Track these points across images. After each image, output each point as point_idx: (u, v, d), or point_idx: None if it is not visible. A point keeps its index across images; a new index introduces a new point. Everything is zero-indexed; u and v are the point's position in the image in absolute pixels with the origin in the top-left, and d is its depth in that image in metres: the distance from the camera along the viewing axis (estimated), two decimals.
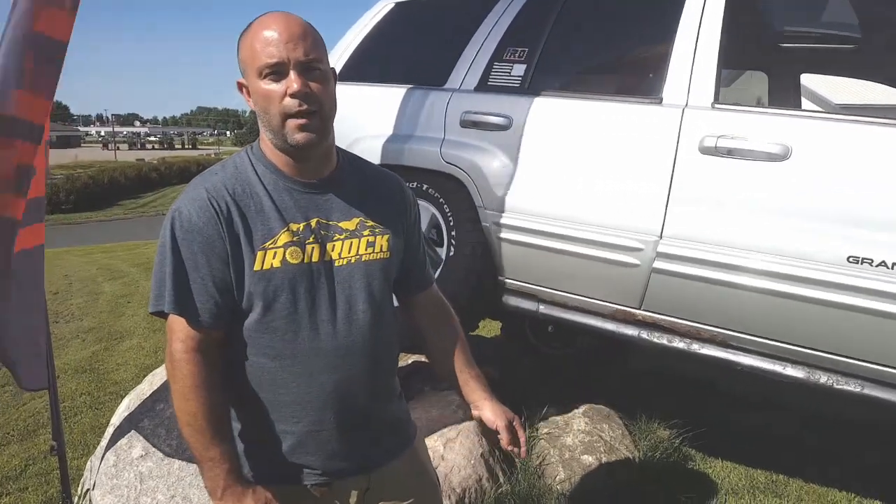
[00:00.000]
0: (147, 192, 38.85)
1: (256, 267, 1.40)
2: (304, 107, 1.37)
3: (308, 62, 1.38)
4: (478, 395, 1.69)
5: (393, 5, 3.66)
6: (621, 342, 2.77)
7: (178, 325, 1.38)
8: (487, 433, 1.69)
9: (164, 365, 3.41)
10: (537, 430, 3.06)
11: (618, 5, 3.01)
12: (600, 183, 2.60)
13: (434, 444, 2.68)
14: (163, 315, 1.40)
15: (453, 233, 2.98)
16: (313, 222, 1.47)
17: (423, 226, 3.07)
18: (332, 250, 1.48)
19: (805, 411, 3.75)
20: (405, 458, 1.67)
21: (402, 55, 3.60)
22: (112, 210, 32.82)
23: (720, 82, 2.47)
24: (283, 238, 1.42)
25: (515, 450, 1.64)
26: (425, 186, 3.09)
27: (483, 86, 3.03)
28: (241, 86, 1.46)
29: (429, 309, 1.78)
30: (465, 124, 2.99)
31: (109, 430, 3.11)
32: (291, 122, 1.38)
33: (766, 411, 3.83)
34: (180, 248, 1.37)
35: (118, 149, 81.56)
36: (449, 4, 3.53)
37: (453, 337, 1.76)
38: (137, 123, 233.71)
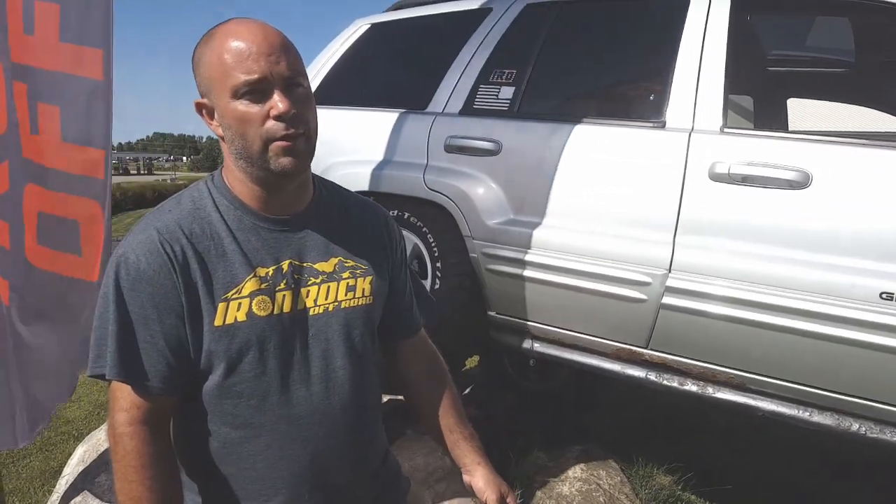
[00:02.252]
0: None
1: (217, 322, 1.18)
2: (292, 130, 1.17)
3: (292, 78, 1.17)
4: (469, 459, 1.49)
5: (368, 26, 3.50)
6: (604, 376, 2.59)
7: (122, 393, 1.17)
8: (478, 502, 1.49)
9: None
10: (529, 477, 2.85)
11: (612, 24, 2.87)
12: (601, 211, 2.43)
13: None
14: (103, 378, 1.17)
15: (438, 264, 2.78)
16: (285, 265, 1.26)
17: None
18: (307, 297, 1.28)
19: (802, 448, 3.63)
20: None
21: (379, 78, 3.43)
22: None
23: (728, 105, 2.33)
24: (250, 286, 1.21)
25: None
26: (407, 215, 2.89)
27: (469, 109, 2.86)
28: (200, 107, 1.23)
29: (416, 357, 1.56)
30: (451, 149, 2.81)
31: (61, 483, 2.82)
32: (276, 146, 1.17)
33: (765, 449, 3.70)
34: (126, 300, 1.16)
35: None
36: (429, 24, 3.37)
37: (442, 390, 1.53)
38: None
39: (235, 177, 1.25)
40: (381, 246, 1.44)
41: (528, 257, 2.55)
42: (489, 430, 3.19)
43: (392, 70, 3.47)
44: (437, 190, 2.78)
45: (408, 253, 2.88)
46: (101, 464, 2.71)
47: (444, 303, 2.73)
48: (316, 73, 3.41)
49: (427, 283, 2.81)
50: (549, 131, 2.61)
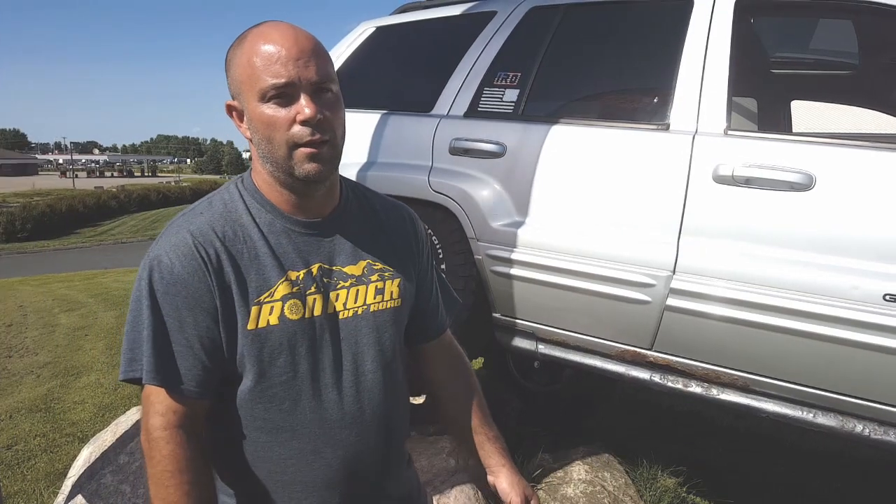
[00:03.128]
0: (106, 221, 38.13)
1: (251, 325, 1.18)
2: (317, 136, 1.16)
3: (321, 83, 1.16)
4: (494, 461, 1.50)
5: (374, 29, 3.51)
6: (608, 378, 2.61)
7: (158, 397, 1.16)
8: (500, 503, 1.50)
9: (129, 411, 3.17)
10: (534, 479, 2.86)
11: (616, 26, 2.88)
12: (605, 213, 2.44)
13: None
14: (137, 382, 1.17)
15: (443, 266, 2.79)
16: (315, 268, 1.25)
17: None
18: (336, 300, 1.27)
19: (804, 448, 3.62)
20: None
21: (384, 80, 3.44)
22: (70, 238, 32.05)
23: (732, 108, 2.34)
24: (282, 289, 1.21)
25: None
26: None
27: (473, 112, 2.87)
28: (231, 109, 1.23)
29: (442, 358, 1.55)
30: (455, 152, 2.81)
31: (67, 484, 2.82)
32: (301, 152, 1.16)
33: (771, 450, 3.69)
34: (160, 304, 1.15)
35: (77, 176, 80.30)
36: (434, 28, 3.37)
37: (468, 391, 1.53)
38: (97, 151, 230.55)
39: (264, 179, 1.25)
40: (408, 248, 1.43)
41: (532, 259, 2.56)
42: None
43: (397, 73, 3.48)
44: (441, 192, 2.79)
45: None
46: (107, 465, 2.72)
47: None
48: None
49: None
50: (554, 134, 2.62)
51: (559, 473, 2.85)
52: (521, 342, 2.76)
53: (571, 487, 2.73)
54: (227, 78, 1.22)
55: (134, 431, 2.91)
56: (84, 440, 3.85)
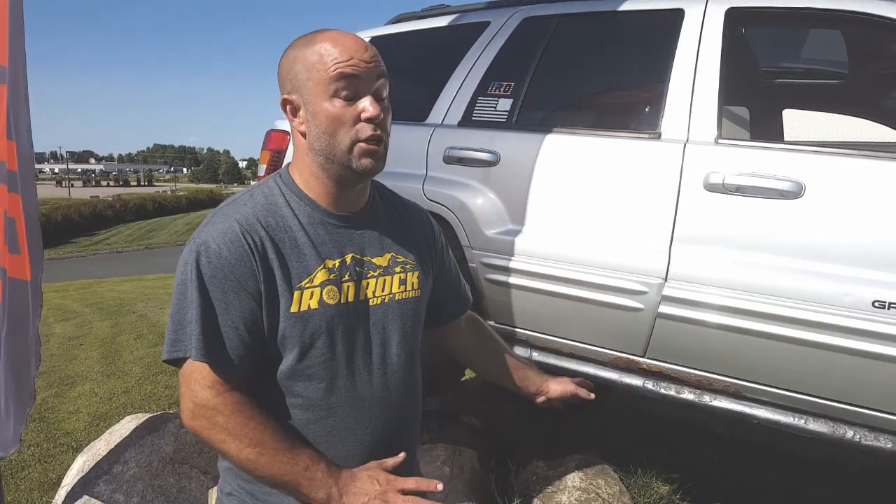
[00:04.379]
0: (101, 230, 38.09)
1: (293, 308, 1.26)
2: (378, 132, 1.27)
3: (381, 89, 1.28)
4: (540, 379, 1.81)
5: (367, 40, 3.52)
6: (602, 385, 2.60)
7: (203, 373, 1.23)
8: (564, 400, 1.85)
9: (122, 420, 3.16)
10: (528, 486, 2.86)
11: (608, 36, 2.90)
12: (598, 221, 2.46)
13: None
14: (178, 363, 1.25)
15: None
16: (348, 258, 1.36)
17: None
18: (367, 288, 1.38)
19: (796, 455, 3.63)
20: None
21: None
22: (65, 248, 31.98)
23: (723, 116, 2.36)
24: (320, 276, 1.30)
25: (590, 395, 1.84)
26: None
27: (467, 121, 2.89)
28: (288, 103, 1.31)
29: (471, 326, 1.77)
30: (450, 160, 2.83)
31: (61, 493, 2.81)
32: (361, 147, 1.27)
33: (764, 457, 3.70)
34: (208, 286, 1.23)
35: (72, 186, 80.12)
36: (428, 38, 3.40)
37: (496, 345, 1.79)
38: (92, 160, 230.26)
39: (310, 173, 1.33)
40: (426, 242, 1.56)
41: (525, 267, 2.58)
42: (489, 439, 3.21)
43: (391, 82, 3.50)
44: (436, 200, 2.80)
45: None
46: (101, 474, 2.71)
47: None
48: None
49: None
50: (547, 143, 2.64)
51: (554, 481, 2.85)
52: (515, 350, 2.77)
53: (566, 495, 2.73)
54: (287, 74, 1.30)
55: (128, 440, 2.90)
56: (78, 450, 3.84)
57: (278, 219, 1.29)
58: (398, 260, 1.45)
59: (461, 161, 2.80)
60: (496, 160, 2.71)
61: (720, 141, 2.31)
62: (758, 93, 3.73)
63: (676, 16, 2.54)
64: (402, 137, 3.01)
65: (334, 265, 1.32)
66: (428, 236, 1.58)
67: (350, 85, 1.23)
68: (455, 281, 1.70)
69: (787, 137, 3.73)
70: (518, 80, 2.85)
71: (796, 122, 3.77)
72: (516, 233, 2.62)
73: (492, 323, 2.79)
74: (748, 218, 2.18)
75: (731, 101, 3.70)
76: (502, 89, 2.87)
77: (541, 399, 1.80)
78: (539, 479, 2.90)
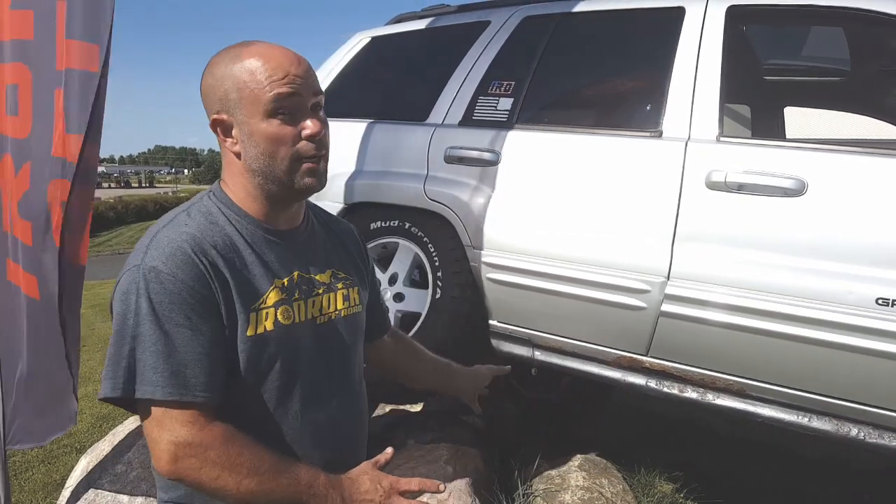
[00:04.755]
0: (103, 232, 38.02)
1: (250, 332, 1.20)
2: (323, 151, 1.24)
3: (319, 102, 1.24)
4: (467, 369, 2.00)
5: (369, 39, 3.53)
6: (605, 384, 2.62)
7: (175, 412, 1.12)
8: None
9: (126, 421, 3.17)
10: (531, 485, 2.86)
11: (608, 35, 2.90)
12: (600, 220, 2.45)
13: None
14: (129, 403, 1.13)
15: (439, 274, 2.79)
16: (295, 276, 1.31)
17: (406, 266, 2.92)
18: (314, 307, 1.33)
19: (797, 454, 3.63)
20: None
21: (379, 90, 3.47)
22: None
23: (724, 114, 2.36)
24: (273, 296, 1.24)
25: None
26: (408, 225, 2.91)
27: (468, 120, 2.88)
28: (219, 123, 1.23)
29: (395, 343, 1.77)
30: (451, 160, 2.83)
31: (65, 494, 2.83)
32: (304, 166, 1.22)
33: (766, 456, 3.69)
34: (168, 315, 1.12)
35: None
36: (428, 37, 3.40)
37: (418, 353, 1.84)
38: None
39: (245, 191, 1.27)
40: (360, 257, 1.55)
41: (527, 266, 2.57)
42: (491, 439, 3.21)
43: (392, 82, 3.50)
44: (437, 200, 2.80)
45: (409, 263, 2.91)
46: (104, 475, 2.72)
47: (445, 312, 2.74)
48: None
49: (428, 293, 2.82)
50: (548, 141, 2.64)
51: (557, 480, 2.85)
52: (517, 349, 2.77)
53: (569, 494, 2.73)
54: (213, 92, 1.23)
55: (131, 440, 2.91)
56: (81, 451, 3.85)
57: (224, 238, 1.23)
58: (339, 276, 1.42)
59: (462, 161, 2.79)
60: (497, 159, 2.70)
61: (722, 139, 2.30)
62: (759, 90, 3.73)
63: (677, 14, 2.54)
64: (403, 137, 3.01)
65: (284, 284, 1.27)
66: (361, 252, 1.57)
67: (287, 103, 1.18)
68: (381, 304, 1.73)
69: (788, 135, 3.72)
70: (519, 79, 2.84)
71: (798, 119, 3.76)
72: (518, 232, 2.61)
73: (493, 322, 2.78)
74: (750, 216, 2.17)
75: (733, 99, 3.69)
76: (503, 88, 2.87)
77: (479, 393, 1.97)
78: (542, 478, 2.90)
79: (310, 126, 1.20)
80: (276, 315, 1.24)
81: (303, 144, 1.21)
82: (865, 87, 3.33)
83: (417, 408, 3.23)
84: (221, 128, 1.25)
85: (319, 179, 1.26)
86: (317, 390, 1.31)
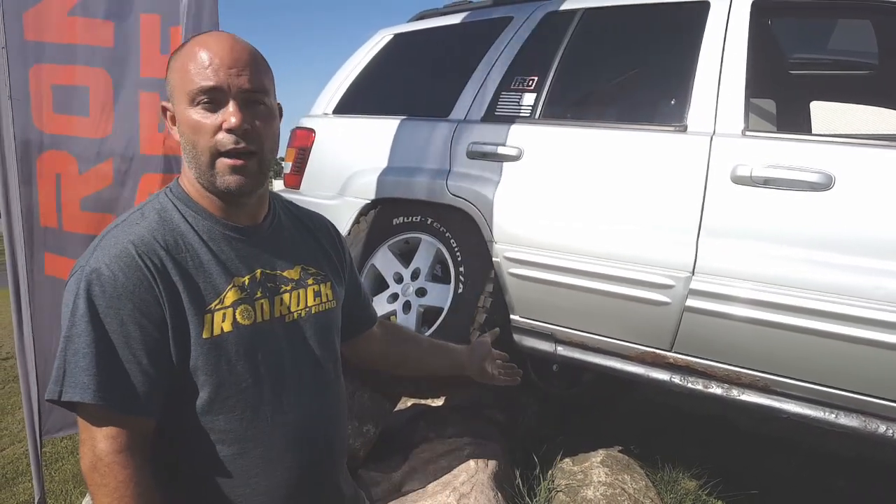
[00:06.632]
0: None
1: (205, 334, 1.15)
2: (242, 145, 1.15)
3: (252, 93, 1.16)
4: (459, 349, 1.94)
5: (391, 36, 3.55)
6: (628, 380, 2.61)
7: (103, 419, 1.09)
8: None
9: None
10: (553, 480, 2.85)
11: (632, 29, 2.88)
12: (623, 215, 2.43)
13: (447, 499, 2.46)
14: (68, 406, 1.09)
15: (461, 268, 2.80)
16: (258, 273, 1.26)
17: (428, 261, 2.93)
18: (281, 304, 1.28)
19: (821, 451, 3.59)
20: None
21: (401, 86, 3.48)
22: None
23: (749, 109, 2.34)
24: (231, 296, 1.19)
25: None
26: (430, 220, 2.92)
27: (490, 116, 2.88)
28: (165, 110, 1.23)
29: (379, 332, 1.73)
30: (473, 155, 2.83)
31: None
32: (223, 162, 1.16)
33: (792, 453, 3.66)
34: (103, 318, 1.08)
35: None
36: (451, 34, 3.40)
37: (411, 339, 1.85)
38: None
39: (194, 186, 1.24)
40: (335, 251, 1.50)
41: (550, 261, 2.56)
42: (513, 433, 3.21)
43: (415, 79, 3.51)
44: (459, 195, 2.80)
45: (431, 258, 2.92)
46: None
47: (467, 307, 2.74)
48: (340, 83, 3.48)
49: (450, 288, 2.83)
50: (571, 136, 2.63)
51: (579, 476, 2.85)
52: (539, 344, 2.76)
53: (592, 490, 2.72)
54: (166, 80, 1.22)
55: None
56: None
57: (177, 236, 1.18)
58: (310, 271, 1.37)
59: (485, 156, 2.80)
60: (519, 155, 2.70)
61: (747, 133, 2.28)
62: (784, 85, 3.69)
63: (702, 8, 2.52)
64: (426, 133, 3.02)
65: (244, 282, 1.22)
66: (336, 245, 1.51)
67: (213, 94, 1.13)
68: (362, 299, 1.66)
69: (815, 129, 3.68)
70: (541, 74, 2.84)
71: (825, 114, 3.71)
72: (540, 227, 2.61)
73: (515, 317, 2.78)
74: (776, 210, 2.15)
75: (758, 94, 3.66)
76: (526, 84, 2.87)
77: (471, 365, 1.92)
78: (565, 474, 2.89)
79: (230, 118, 1.14)
80: (234, 315, 1.19)
81: (222, 136, 1.14)
82: (894, 80, 3.28)
83: (439, 402, 3.23)
84: (169, 115, 1.23)
85: (248, 179, 1.19)
86: (286, 391, 1.26)
